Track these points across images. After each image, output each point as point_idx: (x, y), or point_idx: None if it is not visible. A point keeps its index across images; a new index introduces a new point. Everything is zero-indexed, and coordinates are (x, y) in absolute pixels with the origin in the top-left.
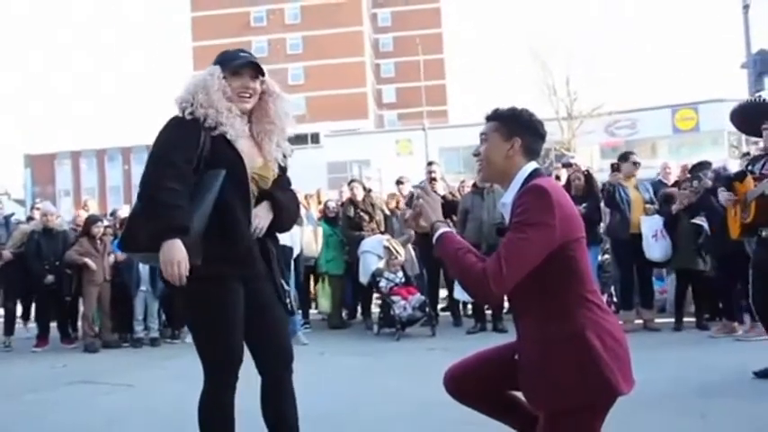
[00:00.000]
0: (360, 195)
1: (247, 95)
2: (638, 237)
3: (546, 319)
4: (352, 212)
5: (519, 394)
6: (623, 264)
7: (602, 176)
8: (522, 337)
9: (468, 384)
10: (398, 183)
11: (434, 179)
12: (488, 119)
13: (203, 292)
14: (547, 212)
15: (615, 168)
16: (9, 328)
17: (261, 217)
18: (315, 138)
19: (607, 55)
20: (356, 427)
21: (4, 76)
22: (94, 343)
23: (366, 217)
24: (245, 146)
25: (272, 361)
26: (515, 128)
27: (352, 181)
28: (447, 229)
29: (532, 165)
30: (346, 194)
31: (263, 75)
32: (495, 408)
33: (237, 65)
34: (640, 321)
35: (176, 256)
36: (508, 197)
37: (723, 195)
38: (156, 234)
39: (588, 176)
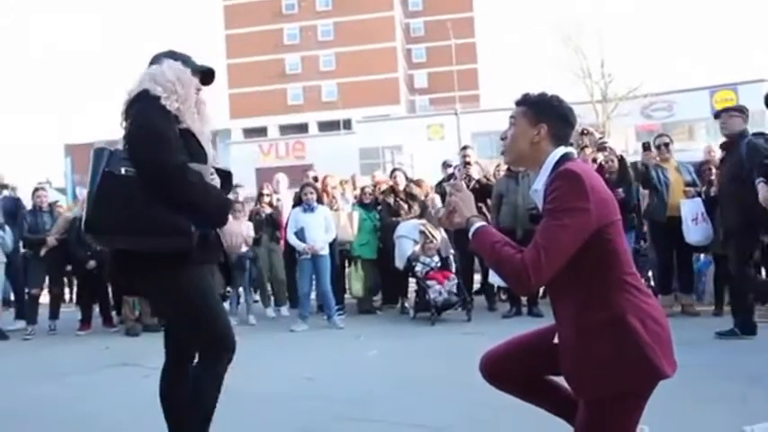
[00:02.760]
0: (401, 184)
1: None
2: (678, 219)
3: (585, 303)
4: (392, 200)
5: (556, 379)
6: (661, 247)
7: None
8: (562, 322)
9: (504, 369)
10: (394, 170)
11: (469, 163)
12: (518, 104)
13: (187, 279)
14: (581, 197)
15: (646, 148)
16: (54, 312)
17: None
18: (347, 124)
19: (642, 36)
20: (392, 410)
21: (45, 69)
22: (135, 327)
23: (405, 206)
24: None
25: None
26: (543, 114)
27: (394, 170)
28: (482, 222)
29: (562, 149)
30: (379, 180)
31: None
32: (532, 392)
33: (207, 70)
34: (678, 307)
35: (241, 229)
36: (539, 183)
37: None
38: (224, 212)
39: (622, 160)
